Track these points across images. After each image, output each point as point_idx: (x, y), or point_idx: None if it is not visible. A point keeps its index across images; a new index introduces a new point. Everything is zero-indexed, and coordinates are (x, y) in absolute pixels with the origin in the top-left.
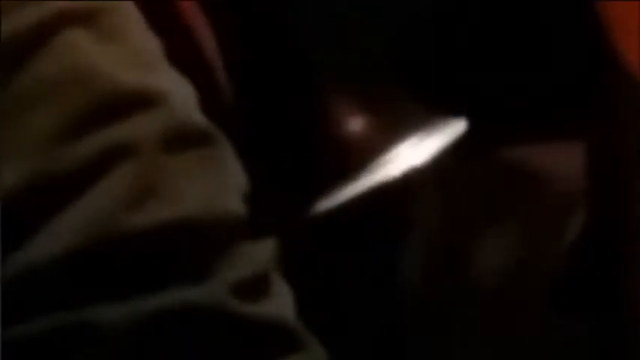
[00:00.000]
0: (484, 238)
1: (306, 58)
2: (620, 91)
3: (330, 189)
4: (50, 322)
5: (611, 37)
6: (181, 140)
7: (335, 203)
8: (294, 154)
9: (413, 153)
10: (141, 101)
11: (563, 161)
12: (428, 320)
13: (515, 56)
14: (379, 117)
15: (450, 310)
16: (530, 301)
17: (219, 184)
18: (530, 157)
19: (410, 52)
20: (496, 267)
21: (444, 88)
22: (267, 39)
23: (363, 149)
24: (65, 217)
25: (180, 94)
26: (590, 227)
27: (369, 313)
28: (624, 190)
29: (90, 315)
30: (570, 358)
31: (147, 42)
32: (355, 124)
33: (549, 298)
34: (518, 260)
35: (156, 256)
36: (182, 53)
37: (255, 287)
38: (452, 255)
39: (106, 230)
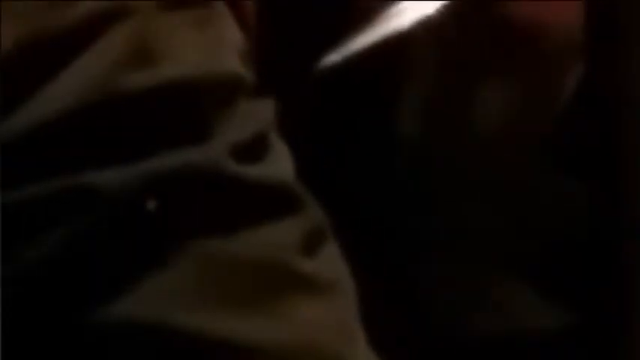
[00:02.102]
0: (482, 90)
1: None
2: None
3: (336, 42)
4: (48, 187)
5: None
6: (176, 0)
7: (340, 57)
8: (302, 6)
9: (417, 5)
10: None
11: (560, 15)
12: (427, 170)
13: None
14: None
15: (448, 160)
16: (528, 155)
17: (216, 43)
18: (528, 11)
19: None
20: (494, 119)
21: None
22: None
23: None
24: (61, 79)
25: None
26: (586, 81)
27: (369, 167)
28: (621, 44)
29: (89, 179)
30: (561, 212)
31: None
32: None
33: (546, 152)
34: (517, 112)
35: (154, 117)
36: None
37: (254, 148)
38: (450, 106)
39: (103, 91)
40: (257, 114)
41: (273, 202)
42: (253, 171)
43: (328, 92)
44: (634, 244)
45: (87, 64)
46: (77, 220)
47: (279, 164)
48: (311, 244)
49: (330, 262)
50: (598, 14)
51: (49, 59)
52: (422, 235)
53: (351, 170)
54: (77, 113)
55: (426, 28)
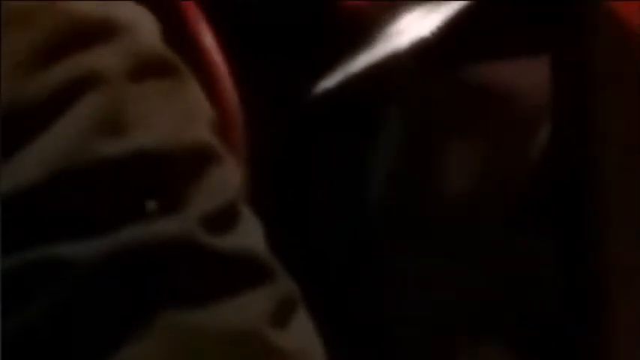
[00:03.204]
0: (450, 152)
1: None
2: (585, 6)
3: (337, 62)
4: (19, 259)
5: None
6: (147, 70)
7: (339, 80)
8: (302, 27)
9: (419, 25)
10: (105, 31)
11: (528, 74)
12: (392, 231)
13: None
14: None
15: (416, 219)
16: (495, 215)
17: (186, 112)
18: (496, 73)
19: None
20: (462, 181)
21: None
22: None
23: (367, 22)
24: (32, 149)
25: (144, 25)
26: (554, 142)
27: (337, 229)
28: (588, 106)
29: (59, 251)
30: (533, 272)
31: None
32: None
33: (514, 213)
34: (484, 173)
35: (125, 186)
36: None
37: (224, 218)
38: (416, 167)
39: (74, 161)
40: (226, 183)
41: (244, 273)
42: (224, 241)
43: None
44: (604, 301)
45: (58, 133)
46: (49, 293)
47: (249, 234)
48: (282, 314)
49: (301, 333)
50: (565, 77)
51: (20, 128)
52: (393, 299)
53: (319, 234)
54: (48, 183)
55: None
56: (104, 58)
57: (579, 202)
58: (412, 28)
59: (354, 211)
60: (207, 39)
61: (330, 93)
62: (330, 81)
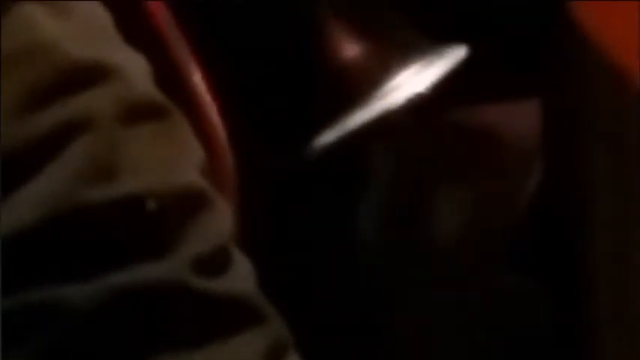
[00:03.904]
0: (440, 197)
1: None
2: (573, 50)
3: (329, 120)
4: (10, 303)
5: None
6: (137, 114)
7: (332, 139)
8: (293, 87)
9: (414, 81)
10: (95, 75)
11: (517, 120)
12: (384, 278)
13: (467, 17)
14: (379, 45)
15: (406, 267)
16: (486, 260)
17: (177, 156)
18: (485, 116)
19: None
20: (452, 226)
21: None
22: None
23: (363, 78)
24: (23, 193)
25: (135, 68)
26: (544, 186)
27: (330, 272)
28: (577, 148)
29: (51, 295)
30: (525, 316)
31: (100, 17)
32: (355, 53)
33: (505, 257)
34: (475, 219)
35: (116, 230)
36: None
37: (215, 261)
38: (407, 213)
39: (65, 205)
40: (217, 227)
41: (236, 316)
42: (215, 284)
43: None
44: (594, 343)
45: (49, 177)
46: (41, 336)
47: (241, 277)
48: (274, 358)
49: None
50: (555, 122)
51: (12, 171)
52: (385, 345)
53: (312, 278)
54: (39, 228)
55: (386, 129)
56: (95, 102)
57: (569, 246)
58: (407, 84)
59: (346, 259)
60: (197, 80)
61: (327, 148)
62: (327, 136)
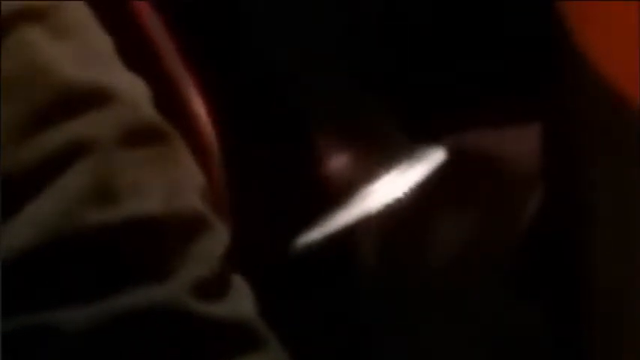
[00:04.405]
0: (441, 222)
1: (290, 100)
2: (572, 74)
3: (313, 222)
4: (10, 325)
5: (566, 21)
6: (138, 137)
7: (315, 238)
8: (279, 190)
9: (395, 184)
10: (95, 98)
11: (517, 145)
12: (386, 305)
13: (467, 41)
14: (362, 152)
15: (408, 293)
16: (488, 283)
17: (176, 180)
18: (485, 141)
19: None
20: (454, 251)
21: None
22: (250, 83)
23: (346, 183)
24: (23, 215)
25: (134, 92)
26: (545, 210)
27: (328, 298)
28: (578, 173)
29: (51, 318)
30: (528, 339)
31: (100, 40)
32: (339, 162)
33: (507, 280)
34: (476, 243)
35: (116, 254)
36: (135, 51)
37: (214, 285)
38: (409, 239)
39: (65, 228)
40: (216, 250)
41: (235, 340)
42: (214, 308)
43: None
44: None
45: (48, 200)
46: (41, 358)
47: (240, 301)
48: None
49: None
50: (555, 146)
51: (12, 195)
52: None
53: (313, 303)
54: (40, 250)
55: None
56: (96, 126)
57: (570, 270)
58: (387, 187)
59: (347, 285)
60: (197, 106)
61: (310, 247)
62: (311, 236)
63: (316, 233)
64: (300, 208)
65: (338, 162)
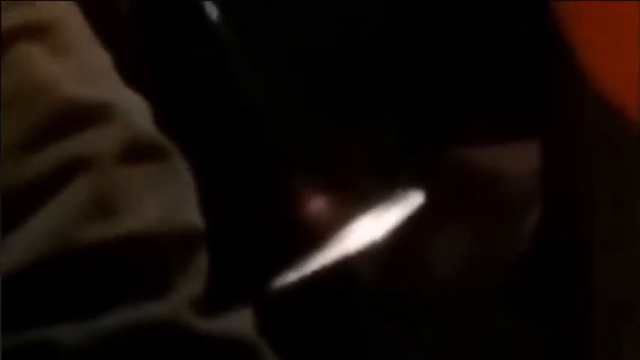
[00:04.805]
0: (439, 239)
1: (270, 147)
2: (572, 91)
3: (290, 264)
4: (9, 341)
5: (567, 36)
6: (137, 153)
7: (293, 278)
8: (257, 231)
9: (372, 227)
10: (95, 115)
11: (516, 161)
12: (386, 321)
13: (466, 57)
14: (340, 196)
15: (406, 310)
16: (487, 299)
17: (175, 195)
18: (484, 157)
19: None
20: (452, 267)
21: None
22: (226, 122)
23: (324, 226)
24: (22, 231)
25: (134, 108)
26: (544, 227)
27: (327, 319)
28: (577, 189)
29: (49, 334)
30: (529, 355)
31: (99, 56)
32: (317, 206)
33: (506, 296)
34: (474, 259)
35: (114, 269)
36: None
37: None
38: (408, 256)
39: (64, 243)
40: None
41: (233, 355)
42: (213, 324)
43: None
44: None
45: (47, 216)
46: None
47: (238, 318)
48: None
49: None
50: (553, 161)
51: (11, 210)
52: None
53: (309, 319)
54: (40, 265)
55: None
56: (95, 143)
57: (568, 284)
58: (365, 230)
59: (346, 304)
60: None
61: (287, 287)
62: (289, 277)
63: (293, 275)
64: (277, 249)
65: (315, 204)
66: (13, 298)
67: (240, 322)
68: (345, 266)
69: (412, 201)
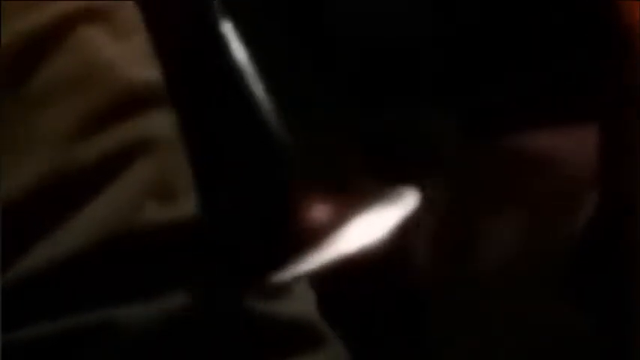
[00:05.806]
0: (493, 225)
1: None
2: (633, 75)
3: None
4: (69, 322)
5: (630, 20)
6: None
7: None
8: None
9: (370, 227)
10: (156, 98)
11: (572, 146)
12: (437, 309)
13: (525, 40)
14: (339, 197)
15: (458, 298)
16: (540, 289)
17: None
18: (540, 142)
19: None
20: (505, 254)
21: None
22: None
23: (322, 226)
24: (84, 214)
25: None
26: (601, 213)
27: (381, 307)
28: (635, 176)
29: (112, 315)
30: (583, 349)
31: None
32: (317, 210)
33: (559, 286)
34: (528, 247)
35: (177, 251)
36: None
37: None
38: (460, 243)
39: (126, 226)
40: None
41: (297, 338)
42: (275, 307)
43: None
44: None
45: (110, 198)
46: (98, 356)
47: (302, 299)
48: None
49: None
50: (612, 147)
51: (72, 193)
52: None
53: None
54: (100, 247)
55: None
56: (157, 125)
57: (622, 276)
58: (364, 230)
59: (398, 297)
60: None
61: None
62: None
63: (289, 275)
64: (274, 251)
65: (312, 206)
66: (75, 280)
67: (303, 304)
68: (400, 251)
69: (409, 201)
